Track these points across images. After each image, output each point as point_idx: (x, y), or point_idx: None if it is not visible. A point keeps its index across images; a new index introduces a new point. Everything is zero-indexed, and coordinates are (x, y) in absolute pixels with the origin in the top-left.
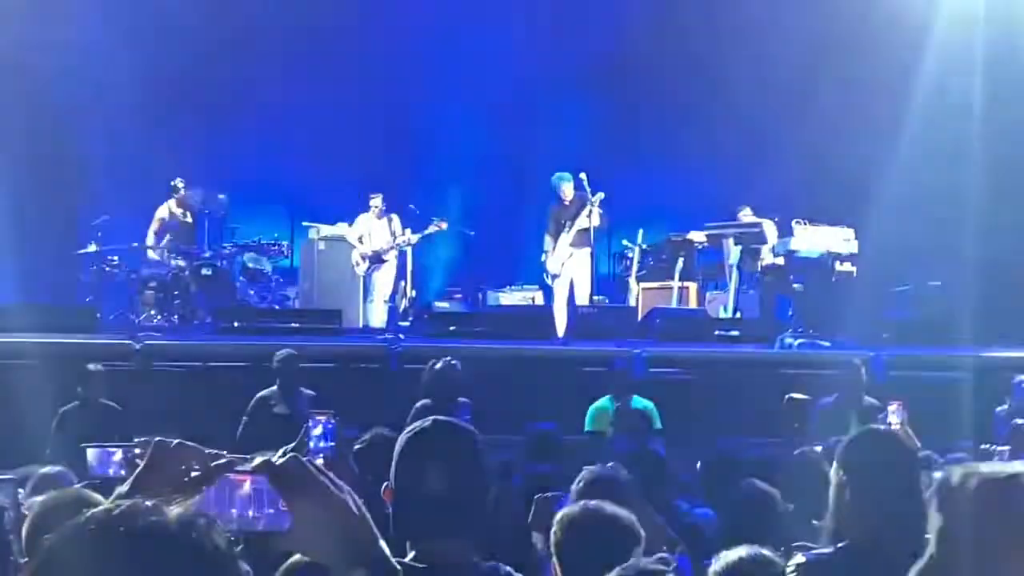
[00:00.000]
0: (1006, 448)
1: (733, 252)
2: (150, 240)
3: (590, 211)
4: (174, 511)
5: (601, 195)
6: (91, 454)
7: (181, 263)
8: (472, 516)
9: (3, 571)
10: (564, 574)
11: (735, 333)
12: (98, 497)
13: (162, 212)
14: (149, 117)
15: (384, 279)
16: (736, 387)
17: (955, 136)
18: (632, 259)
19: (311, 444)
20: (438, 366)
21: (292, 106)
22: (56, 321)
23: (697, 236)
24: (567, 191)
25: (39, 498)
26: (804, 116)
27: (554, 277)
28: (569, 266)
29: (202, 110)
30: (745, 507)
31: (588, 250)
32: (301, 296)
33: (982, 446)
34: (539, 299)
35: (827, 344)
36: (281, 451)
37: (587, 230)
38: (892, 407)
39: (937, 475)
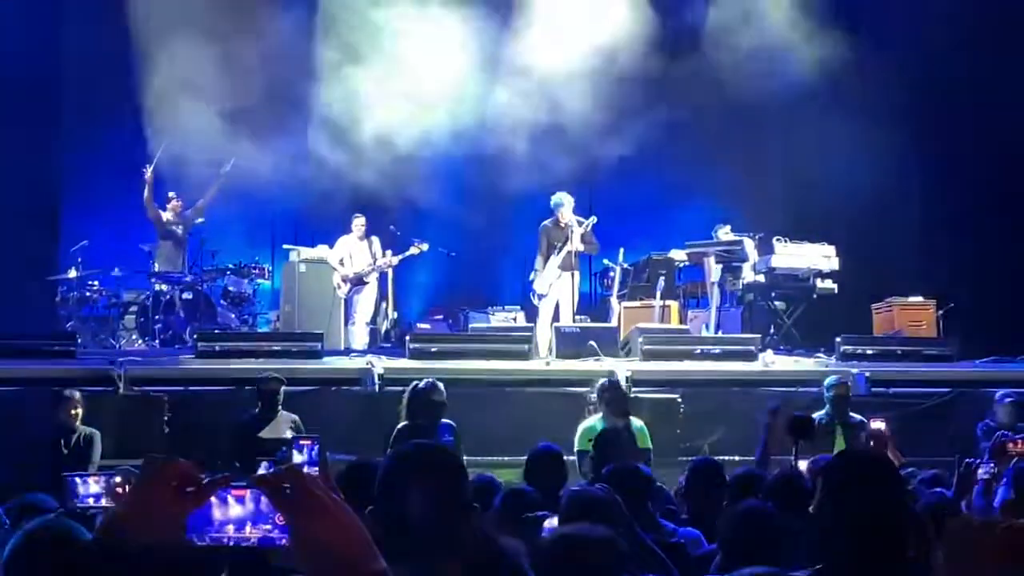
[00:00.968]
0: (990, 463)
1: (714, 270)
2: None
3: (582, 234)
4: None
5: (594, 219)
6: (71, 482)
7: (163, 287)
8: (455, 538)
9: None
10: None
11: (717, 351)
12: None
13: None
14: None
15: (366, 301)
16: (720, 405)
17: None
18: (614, 278)
19: None
20: (420, 387)
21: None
22: (36, 348)
23: (678, 255)
24: (566, 213)
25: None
26: (787, 133)
27: (540, 297)
28: (556, 287)
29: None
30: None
31: (576, 273)
32: (282, 319)
33: (964, 460)
34: (521, 320)
35: (809, 361)
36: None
37: (576, 253)
38: (876, 424)
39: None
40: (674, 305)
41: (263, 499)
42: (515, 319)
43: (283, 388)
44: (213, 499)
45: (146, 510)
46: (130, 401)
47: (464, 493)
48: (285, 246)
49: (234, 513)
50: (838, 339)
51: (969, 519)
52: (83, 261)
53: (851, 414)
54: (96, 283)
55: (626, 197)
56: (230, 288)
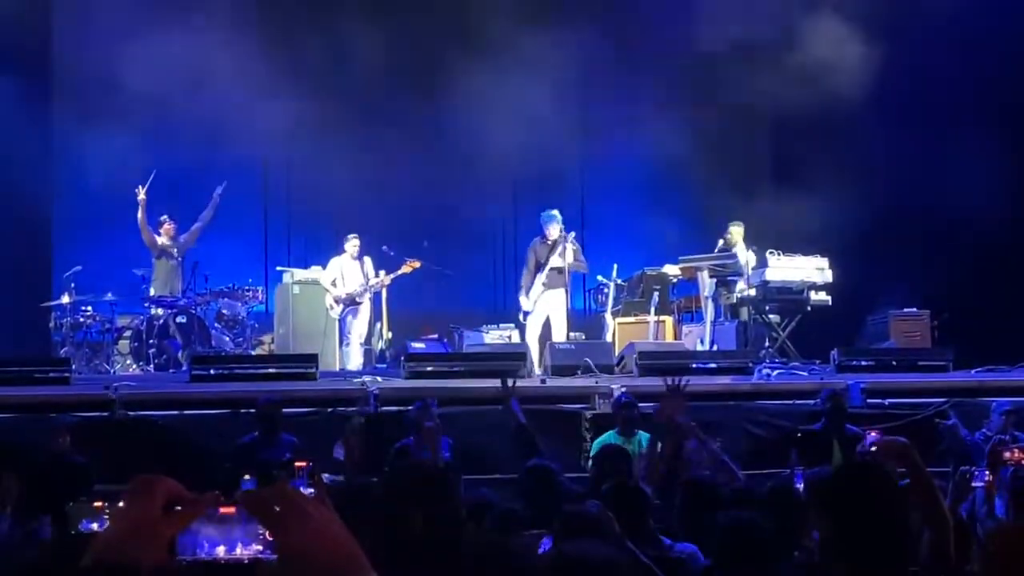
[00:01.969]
0: (984, 471)
1: (708, 285)
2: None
3: (563, 250)
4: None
5: (572, 234)
6: (72, 508)
7: (157, 312)
8: (449, 556)
9: None
10: None
11: (713, 365)
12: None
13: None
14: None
15: (360, 321)
16: (716, 419)
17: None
18: (607, 294)
19: None
20: (411, 414)
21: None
22: (29, 375)
23: (672, 270)
24: (553, 230)
25: None
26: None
27: (526, 314)
28: (542, 304)
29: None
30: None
31: (563, 290)
32: (277, 341)
33: (960, 468)
34: (515, 338)
35: (805, 374)
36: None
37: (562, 270)
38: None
39: None
40: (669, 320)
41: (251, 516)
42: (509, 337)
43: (282, 410)
44: (202, 518)
45: (134, 531)
46: (124, 426)
47: (457, 512)
48: (279, 268)
49: (224, 532)
50: (833, 351)
51: (1009, 526)
52: (76, 286)
53: (848, 426)
54: (90, 308)
55: (618, 211)
56: (224, 311)
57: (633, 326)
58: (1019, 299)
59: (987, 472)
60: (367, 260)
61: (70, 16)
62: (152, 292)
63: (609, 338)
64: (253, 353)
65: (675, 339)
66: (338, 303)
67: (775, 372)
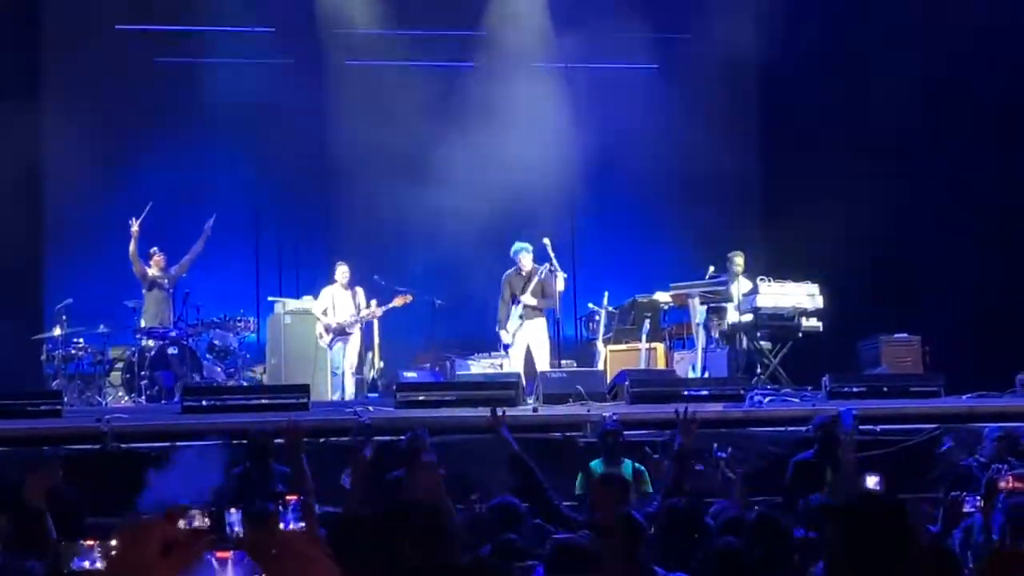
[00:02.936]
0: (975, 497)
1: (699, 311)
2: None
3: (537, 283)
4: None
5: (547, 265)
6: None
7: (149, 343)
8: None
9: None
10: None
11: (704, 392)
12: None
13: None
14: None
15: (350, 351)
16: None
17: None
18: (599, 322)
19: (282, 525)
20: (402, 445)
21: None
22: (21, 408)
23: (663, 297)
24: (525, 261)
25: None
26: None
27: (507, 347)
28: (521, 336)
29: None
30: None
31: (542, 319)
32: (269, 371)
33: (952, 494)
34: (507, 366)
35: (796, 400)
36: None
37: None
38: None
39: None
40: (660, 347)
41: (247, 557)
42: (501, 366)
43: (273, 440)
44: (199, 565)
45: (131, 573)
46: (116, 458)
47: (451, 544)
48: (270, 298)
49: (221, 572)
50: (825, 377)
51: (1006, 552)
52: (68, 318)
53: (840, 453)
54: (81, 340)
55: (609, 240)
56: (216, 342)
57: (625, 353)
58: (1008, 324)
59: (979, 498)
60: (359, 290)
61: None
62: (143, 323)
63: (601, 365)
64: (245, 384)
65: (667, 366)
66: (328, 332)
67: (767, 399)
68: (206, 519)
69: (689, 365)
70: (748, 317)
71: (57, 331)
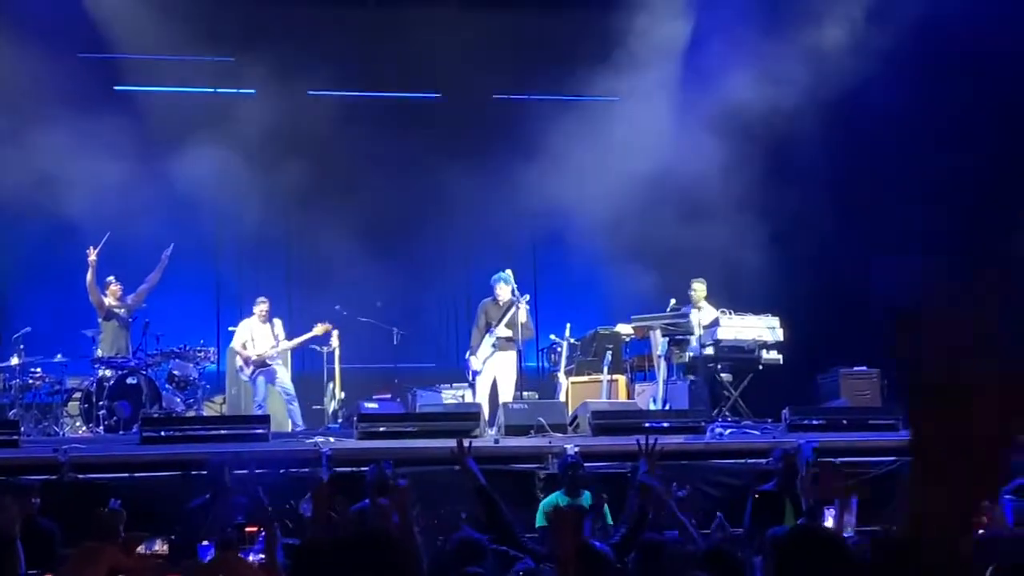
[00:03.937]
0: None
1: (660, 343)
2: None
3: (515, 313)
4: None
5: (527, 296)
6: None
7: (107, 373)
8: None
9: None
10: None
11: (665, 425)
12: None
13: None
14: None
15: (281, 378)
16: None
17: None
18: (560, 353)
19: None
20: (369, 477)
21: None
22: None
23: (624, 328)
24: (503, 292)
25: None
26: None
27: (475, 374)
28: (491, 365)
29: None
30: None
31: (513, 352)
32: (229, 402)
33: None
34: (468, 397)
35: (757, 432)
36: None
37: (511, 338)
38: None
39: None
40: (622, 379)
41: None
42: (463, 397)
43: (233, 472)
44: None
45: None
46: (74, 488)
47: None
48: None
49: None
50: (785, 410)
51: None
52: (25, 348)
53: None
54: (39, 370)
55: (571, 271)
56: (175, 372)
57: (586, 385)
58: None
59: None
60: (277, 322)
61: None
62: (100, 353)
63: (562, 397)
64: (204, 414)
65: (628, 398)
66: (248, 365)
67: (727, 431)
68: (165, 546)
69: (650, 397)
70: (709, 350)
71: (14, 360)
